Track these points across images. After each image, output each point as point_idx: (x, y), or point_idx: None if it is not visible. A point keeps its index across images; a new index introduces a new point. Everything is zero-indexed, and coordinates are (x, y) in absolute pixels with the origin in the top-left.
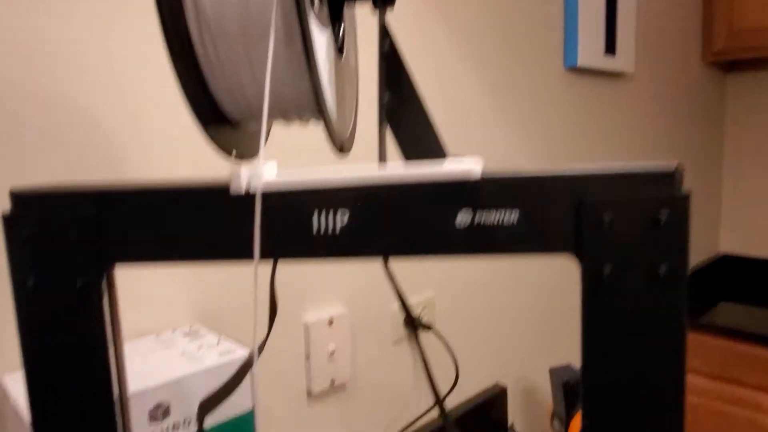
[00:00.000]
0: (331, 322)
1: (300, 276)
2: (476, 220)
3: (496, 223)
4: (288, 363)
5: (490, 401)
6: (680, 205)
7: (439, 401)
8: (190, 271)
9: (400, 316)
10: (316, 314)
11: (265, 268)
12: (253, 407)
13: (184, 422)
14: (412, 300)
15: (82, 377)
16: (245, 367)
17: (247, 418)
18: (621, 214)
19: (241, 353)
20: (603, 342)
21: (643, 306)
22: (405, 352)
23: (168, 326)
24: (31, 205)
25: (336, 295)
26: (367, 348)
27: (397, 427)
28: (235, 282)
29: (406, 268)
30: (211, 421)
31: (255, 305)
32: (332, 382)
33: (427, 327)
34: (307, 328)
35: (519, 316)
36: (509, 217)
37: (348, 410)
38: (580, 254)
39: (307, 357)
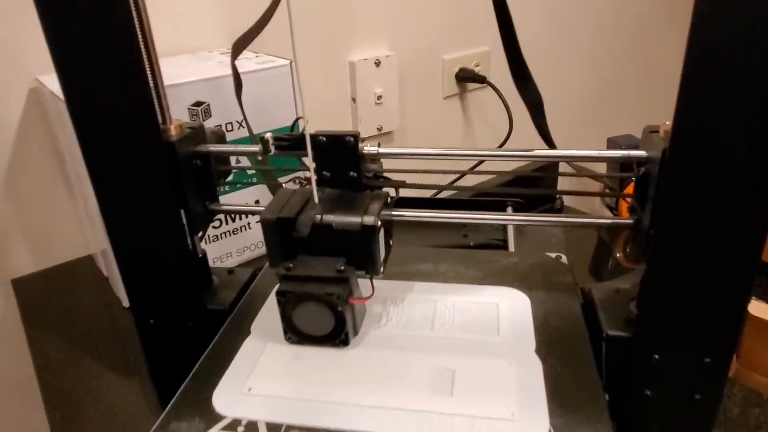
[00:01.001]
0: (378, 64)
1: (345, 13)
2: None
3: None
4: (334, 104)
5: (539, 173)
6: None
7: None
8: None
9: (453, 69)
10: (362, 54)
11: None
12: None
13: (227, 126)
14: (466, 53)
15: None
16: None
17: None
18: None
19: (280, 62)
20: None
21: None
22: (455, 108)
23: (204, 49)
24: None
25: (384, 37)
26: (416, 99)
27: (445, 181)
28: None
29: (461, 19)
30: (257, 129)
31: None
32: (379, 128)
33: (480, 80)
34: (353, 67)
35: (577, 83)
36: None
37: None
38: None
39: (354, 99)
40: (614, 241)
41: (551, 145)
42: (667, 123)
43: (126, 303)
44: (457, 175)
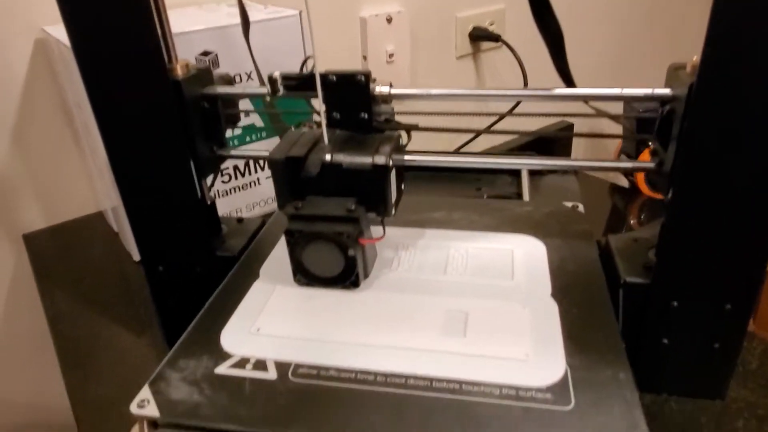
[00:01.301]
0: (389, 20)
1: None
2: None
3: None
4: (344, 62)
5: (554, 137)
6: None
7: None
8: None
9: (466, 27)
10: (373, 9)
11: None
12: None
13: (235, 77)
14: (480, 11)
15: None
16: None
17: None
18: None
19: (289, 12)
20: None
21: None
22: (469, 68)
23: (212, 2)
24: None
25: None
26: (428, 58)
27: (458, 143)
28: None
29: None
30: (268, 72)
31: None
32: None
33: (495, 39)
34: (363, 23)
35: (595, 43)
36: None
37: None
38: None
39: (365, 58)
40: (629, 209)
41: (571, 84)
42: (695, 58)
43: (136, 257)
44: (473, 128)
